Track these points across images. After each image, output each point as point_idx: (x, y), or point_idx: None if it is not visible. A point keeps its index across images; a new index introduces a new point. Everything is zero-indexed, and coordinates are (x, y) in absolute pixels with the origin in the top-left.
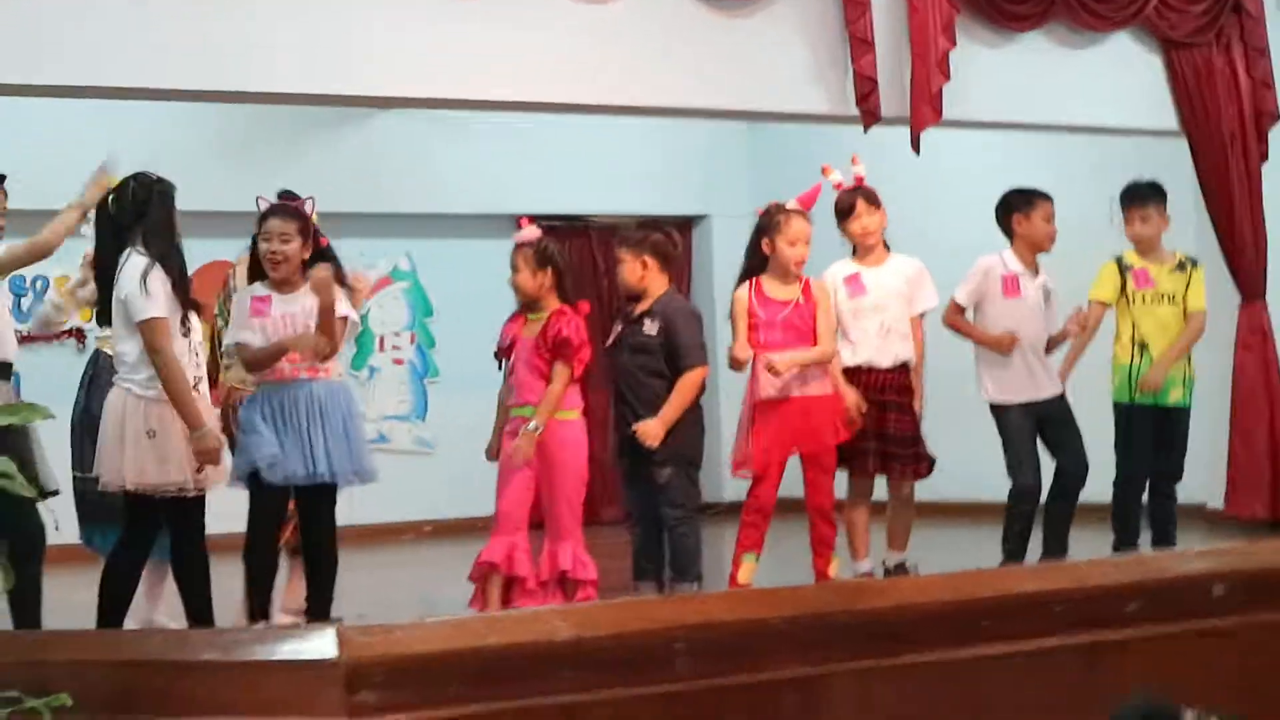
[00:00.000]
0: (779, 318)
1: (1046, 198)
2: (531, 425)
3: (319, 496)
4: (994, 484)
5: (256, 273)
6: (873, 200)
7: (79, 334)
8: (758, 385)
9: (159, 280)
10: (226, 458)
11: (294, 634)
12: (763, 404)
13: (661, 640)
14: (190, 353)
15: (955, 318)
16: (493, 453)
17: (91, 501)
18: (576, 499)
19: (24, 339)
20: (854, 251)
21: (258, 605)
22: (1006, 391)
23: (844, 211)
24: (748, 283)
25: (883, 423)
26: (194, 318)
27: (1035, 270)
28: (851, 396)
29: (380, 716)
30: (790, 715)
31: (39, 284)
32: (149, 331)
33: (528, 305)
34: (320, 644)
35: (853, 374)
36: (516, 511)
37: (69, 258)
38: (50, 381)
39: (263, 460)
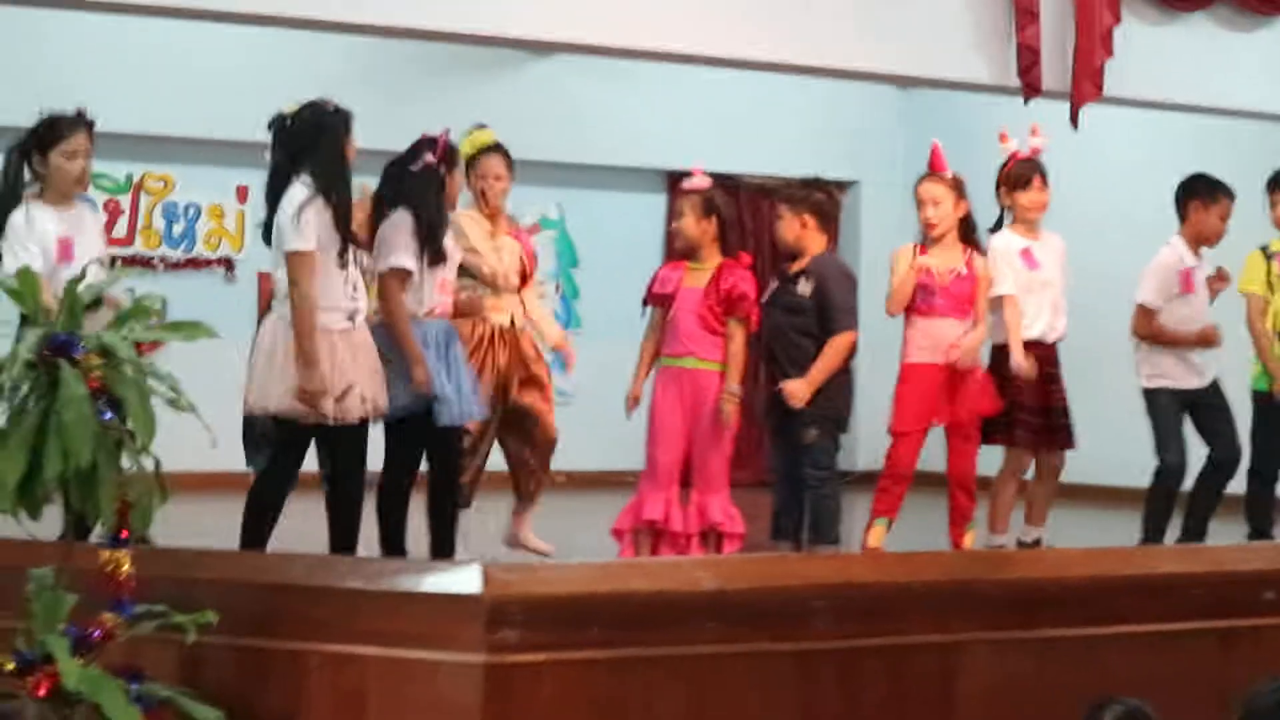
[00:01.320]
0: (946, 284)
1: (1230, 195)
2: (734, 388)
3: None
4: (1128, 469)
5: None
6: (1045, 175)
7: (228, 263)
8: (909, 348)
9: (314, 212)
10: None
11: (439, 568)
12: (911, 367)
13: (801, 597)
14: (347, 284)
15: (1150, 324)
16: (633, 400)
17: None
18: (727, 452)
19: (173, 265)
20: (997, 224)
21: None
22: (1164, 378)
23: (1019, 181)
24: (912, 244)
25: (1048, 397)
26: (355, 251)
27: (1200, 260)
28: (1026, 366)
29: (519, 654)
30: (924, 679)
31: (190, 210)
32: (292, 263)
33: (687, 254)
34: (465, 579)
35: (1026, 346)
36: (672, 465)
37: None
38: (199, 309)
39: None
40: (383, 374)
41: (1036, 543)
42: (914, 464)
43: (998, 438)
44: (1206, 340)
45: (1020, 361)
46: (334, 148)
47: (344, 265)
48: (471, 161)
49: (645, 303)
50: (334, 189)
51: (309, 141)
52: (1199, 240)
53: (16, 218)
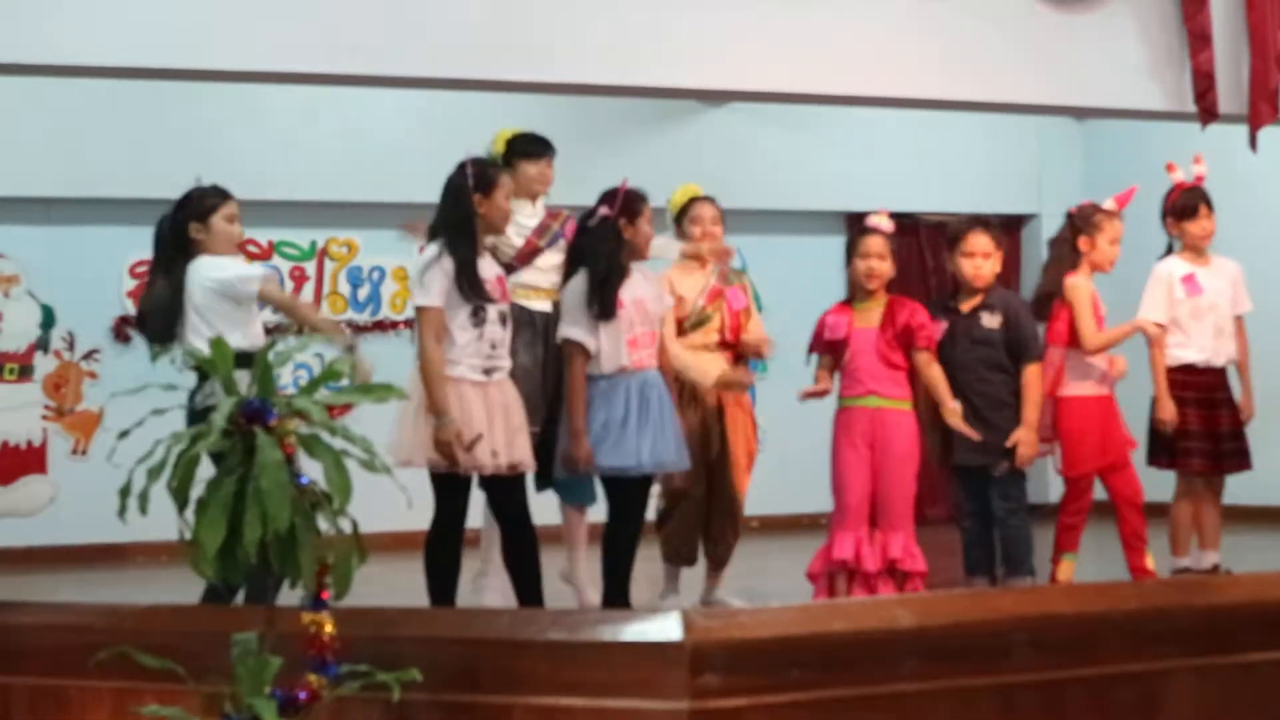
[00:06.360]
0: (1101, 313)
1: None
2: (954, 404)
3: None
4: None
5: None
6: (1210, 203)
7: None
8: (1067, 379)
9: (438, 271)
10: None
11: (639, 616)
12: (1074, 401)
13: (1001, 631)
14: (483, 342)
15: None
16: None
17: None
18: (911, 489)
19: (360, 329)
20: (1168, 250)
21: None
22: None
23: (1185, 211)
24: (1084, 274)
25: (1216, 422)
26: (492, 309)
27: None
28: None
29: (722, 699)
30: (1127, 710)
31: (375, 274)
32: (418, 319)
33: (856, 295)
34: (666, 626)
35: (1189, 371)
36: (860, 505)
37: (406, 250)
38: (388, 371)
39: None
40: (527, 432)
41: (1215, 568)
42: (1091, 496)
43: (1162, 462)
44: None
45: (1163, 399)
46: (455, 206)
47: (478, 323)
48: (684, 210)
49: (813, 350)
50: (453, 248)
51: (442, 199)
52: None
53: None
